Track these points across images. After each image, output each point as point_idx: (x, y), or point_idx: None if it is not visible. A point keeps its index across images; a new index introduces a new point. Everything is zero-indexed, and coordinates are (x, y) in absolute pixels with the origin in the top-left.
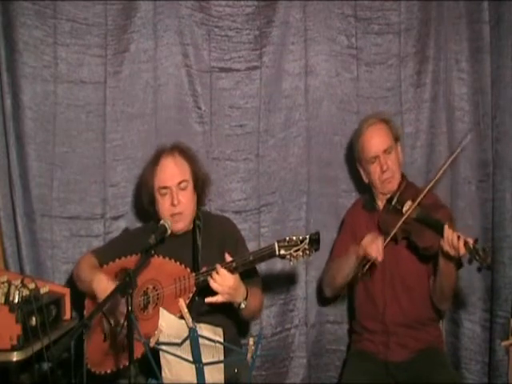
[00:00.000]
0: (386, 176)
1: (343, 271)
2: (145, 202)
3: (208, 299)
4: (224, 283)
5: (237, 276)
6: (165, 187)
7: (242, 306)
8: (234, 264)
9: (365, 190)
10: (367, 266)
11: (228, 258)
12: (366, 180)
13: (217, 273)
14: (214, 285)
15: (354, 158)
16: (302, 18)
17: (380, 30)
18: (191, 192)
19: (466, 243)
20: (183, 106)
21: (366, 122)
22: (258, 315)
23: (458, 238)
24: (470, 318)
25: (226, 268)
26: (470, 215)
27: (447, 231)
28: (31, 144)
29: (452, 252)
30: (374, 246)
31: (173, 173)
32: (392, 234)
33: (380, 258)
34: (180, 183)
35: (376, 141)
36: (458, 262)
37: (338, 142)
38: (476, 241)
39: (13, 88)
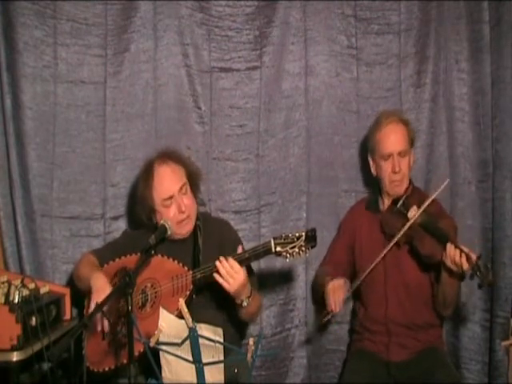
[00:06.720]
0: (395, 177)
1: (315, 293)
2: (143, 218)
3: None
4: (232, 271)
5: (244, 271)
6: (169, 197)
7: (245, 304)
8: (246, 254)
9: (371, 186)
10: (326, 319)
11: (239, 250)
12: (374, 173)
13: (226, 260)
14: (222, 271)
15: (366, 148)
16: (302, 17)
17: (380, 30)
18: (191, 192)
19: (468, 258)
20: (183, 106)
21: (388, 118)
22: (255, 319)
23: (461, 254)
24: (470, 318)
25: (235, 259)
26: (470, 215)
27: (449, 248)
28: (31, 144)
29: (454, 268)
30: (333, 298)
31: (172, 180)
32: (396, 239)
33: (336, 311)
34: (181, 188)
35: (394, 140)
36: (460, 275)
37: (338, 142)
38: (479, 257)
39: (13, 88)
